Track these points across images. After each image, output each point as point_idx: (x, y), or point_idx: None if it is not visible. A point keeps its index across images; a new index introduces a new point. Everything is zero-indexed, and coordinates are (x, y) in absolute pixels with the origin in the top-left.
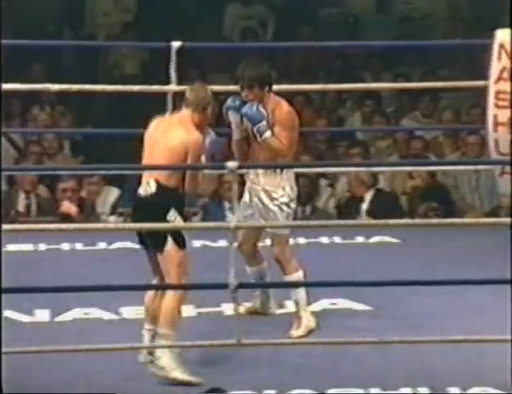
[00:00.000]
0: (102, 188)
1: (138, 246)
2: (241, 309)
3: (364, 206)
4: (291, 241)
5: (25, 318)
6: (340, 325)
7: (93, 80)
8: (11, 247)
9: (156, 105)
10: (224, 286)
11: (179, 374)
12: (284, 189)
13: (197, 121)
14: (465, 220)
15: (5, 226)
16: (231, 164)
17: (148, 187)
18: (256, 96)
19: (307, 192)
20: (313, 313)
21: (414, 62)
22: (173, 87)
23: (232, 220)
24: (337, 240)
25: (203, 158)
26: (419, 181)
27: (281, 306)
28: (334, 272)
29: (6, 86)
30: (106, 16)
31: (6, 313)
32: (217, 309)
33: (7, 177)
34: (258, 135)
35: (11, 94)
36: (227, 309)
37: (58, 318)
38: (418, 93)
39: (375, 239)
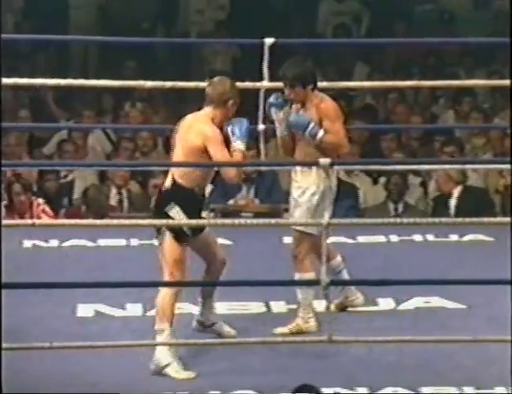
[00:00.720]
0: None
1: (229, 242)
2: (332, 307)
3: (453, 202)
4: (333, 240)
5: (117, 313)
6: (433, 323)
7: (186, 77)
8: (101, 242)
9: (247, 102)
10: (316, 282)
11: (173, 372)
12: (318, 187)
13: (219, 116)
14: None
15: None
16: (323, 161)
17: (167, 182)
18: (298, 95)
19: (398, 189)
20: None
21: (508, 60)
22: (265, 83)
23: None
24: (430, 238)
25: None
26: (510, 180)
27: (374, 303)
28: (428, 271)
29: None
30: (199, 13)
31: (98, 307)
32: None
33: (99, 171)
34: (311, 139)
35: (103, 90)
36: (318, 305)
37: (150, 313)
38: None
39: (469, 237)
